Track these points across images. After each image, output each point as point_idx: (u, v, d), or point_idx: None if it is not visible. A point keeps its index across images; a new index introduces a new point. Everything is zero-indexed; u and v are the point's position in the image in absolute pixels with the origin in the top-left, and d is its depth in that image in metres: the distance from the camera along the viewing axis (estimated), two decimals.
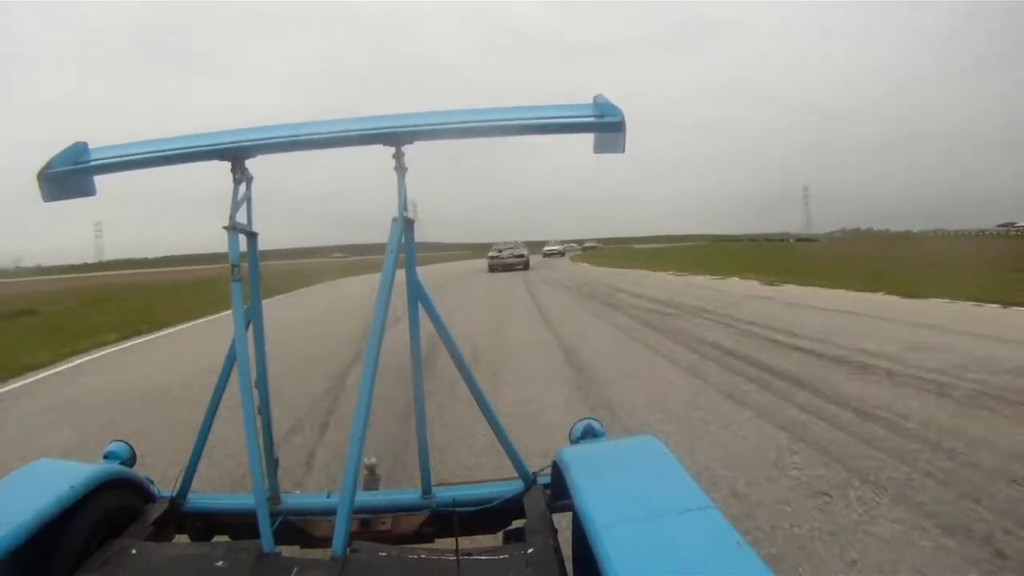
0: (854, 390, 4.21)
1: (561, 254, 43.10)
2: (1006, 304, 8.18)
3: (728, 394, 4.25)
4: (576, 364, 5.53)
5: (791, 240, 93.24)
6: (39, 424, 4.41)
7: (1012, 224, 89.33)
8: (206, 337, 8.83)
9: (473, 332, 7.47)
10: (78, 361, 7.22)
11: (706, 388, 4.46)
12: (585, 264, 29.77)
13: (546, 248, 43.48)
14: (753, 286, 13.55)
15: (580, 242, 68.02)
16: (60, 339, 8.73)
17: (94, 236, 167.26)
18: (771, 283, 13.90)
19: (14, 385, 5.94)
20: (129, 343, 8.75)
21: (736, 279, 15.42)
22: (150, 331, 9.84)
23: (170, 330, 10.11)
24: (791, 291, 12.01)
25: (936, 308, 8.55)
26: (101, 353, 7.81)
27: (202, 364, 5.88)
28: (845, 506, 2.42)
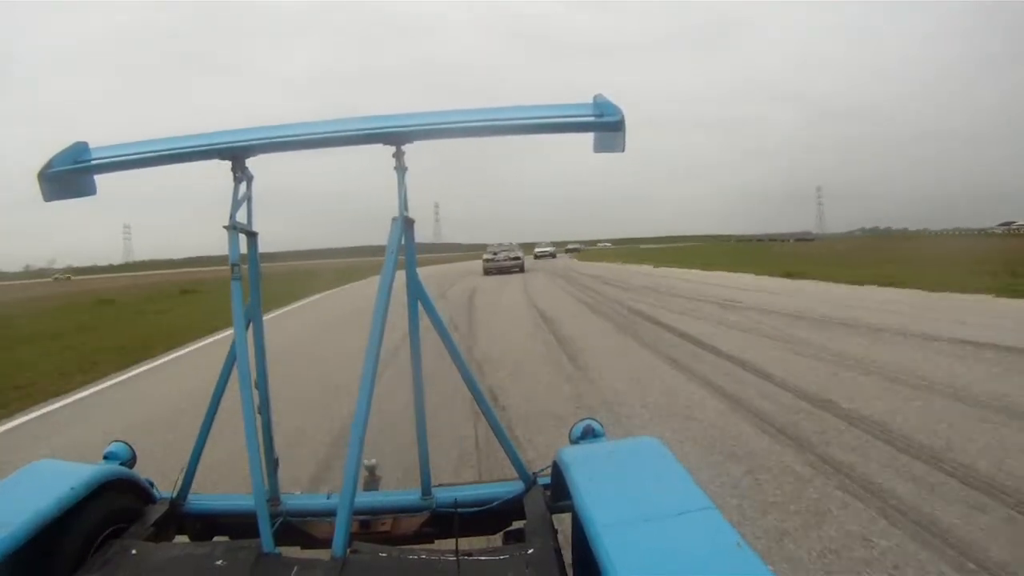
0: (614, 293, 12.76)
1: (552, 256, 43.92)
2: (813, 279, 13.68)
3: (571, 294, 12.95)
4: (528, 294, 13.47)
5: (791, 240, 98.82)
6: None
7: (1012, 223, 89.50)
8: (339, 298, 15.86)
9: (487, 286, 16.73)
10: (295, 304, 14.15)
11: (566, 295, 12.87)
12: (574, 260, 40.19)
13: (537, 250, 43.65)
14: (654, 268, 23.29)
15: (562, 244, 67.47)
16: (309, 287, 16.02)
17: (123, 239, 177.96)
18: (668, 266, 24.18)
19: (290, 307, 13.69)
20: (297, 303, 14.46)
21: (649, 266, 25.39)
22: (301, 298, 15.81)
23: (308, 299, 15.86)
24: (676, 271, 21.01)
25: (737, 277, 16.29)
26: (293, 306, 13.84)
27: (348, 307, 12.78)
28: (577, 310, 10.18)
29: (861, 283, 12.03)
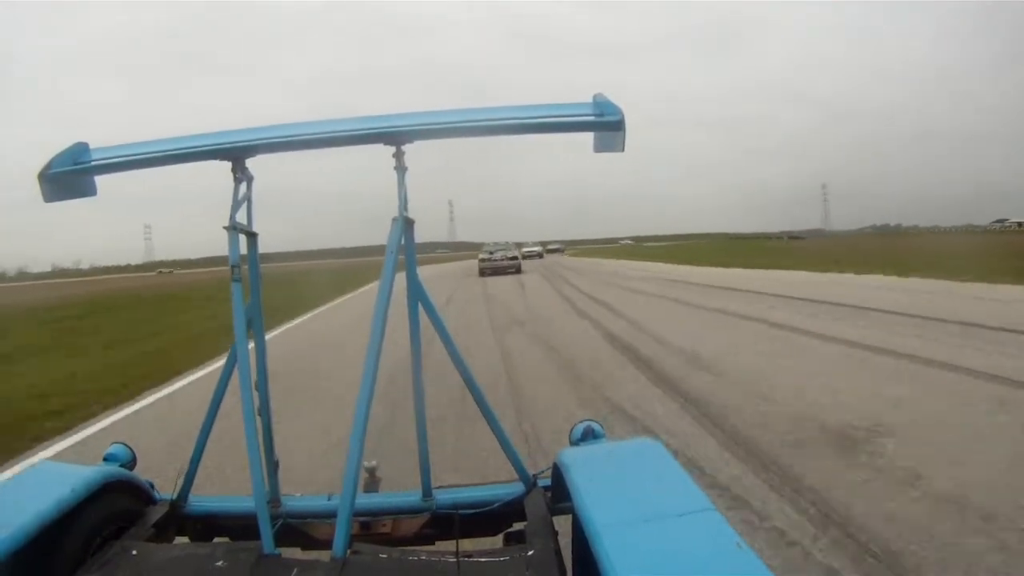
0: (562, 271, 24.00)
1: (540, 256, 46.08)
2: (745, 267, 20.26)
3: (542, 275, 21.55)
4: (518, 280, 19.64)
5: (784, 238, 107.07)
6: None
7: (1005, 220, 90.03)
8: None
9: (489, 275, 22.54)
10: (345, 297, 16.83)
11: (539, 278, 19.95)
12: (563, 257, 49.68)
13: (524, 250, 46.03)
14: (605, 260, 35.28)
15: (544, 244, 69.84)
16: (325, 289, 18.22)
17: (144, 238, 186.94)
18: (624, 259, 35.43)
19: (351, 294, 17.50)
20: (357, 291, 18.25)
21: (611, 260, 37.22)
22: (354, 289, 19.17)
23: (364, 288, 19.07)
24: (621, 262, 32.01)
25: (660, 265, 26.42)
26: (357, 292, 17.93)
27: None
28: (542, 279, 19.50)
29: (751, 268, 19.91)
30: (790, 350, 6.01)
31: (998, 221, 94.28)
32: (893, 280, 12.65)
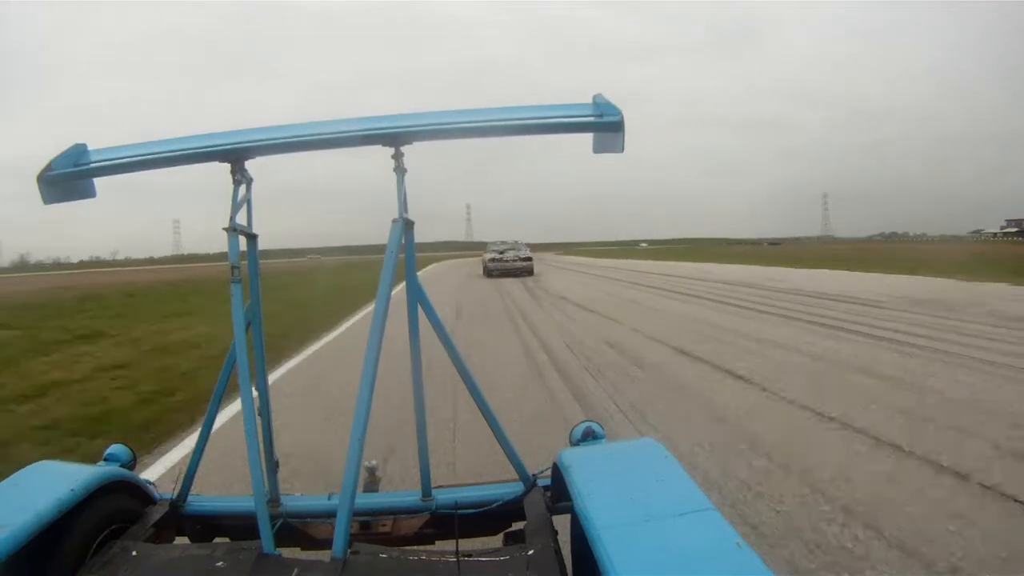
0: (554, 270, 27.91)
1: None
2: (668, 261, 36.00)
3: (544, 267, 30.40)
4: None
5: (764, 244, 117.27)
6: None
7: (980, 231, 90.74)
8: (429, 277, 23.22)
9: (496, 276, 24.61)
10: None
11: (539, 271, 25.44)
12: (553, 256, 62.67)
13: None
14: (589, 259, 47.36)
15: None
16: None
17: (172, 233, 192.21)
18: (600, 258, 49.35)
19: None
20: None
21: (589, 257, 52.77)
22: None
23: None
24: (598, 260, 45.07)
25: (642, 262, 36.70)
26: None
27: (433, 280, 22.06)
28: (542, 275, 23.03)
29: (672, 261, 32.02)
30: (590, 283, 18.02)
31: (975, 232, 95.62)
32: (731, 265, 24.73)
